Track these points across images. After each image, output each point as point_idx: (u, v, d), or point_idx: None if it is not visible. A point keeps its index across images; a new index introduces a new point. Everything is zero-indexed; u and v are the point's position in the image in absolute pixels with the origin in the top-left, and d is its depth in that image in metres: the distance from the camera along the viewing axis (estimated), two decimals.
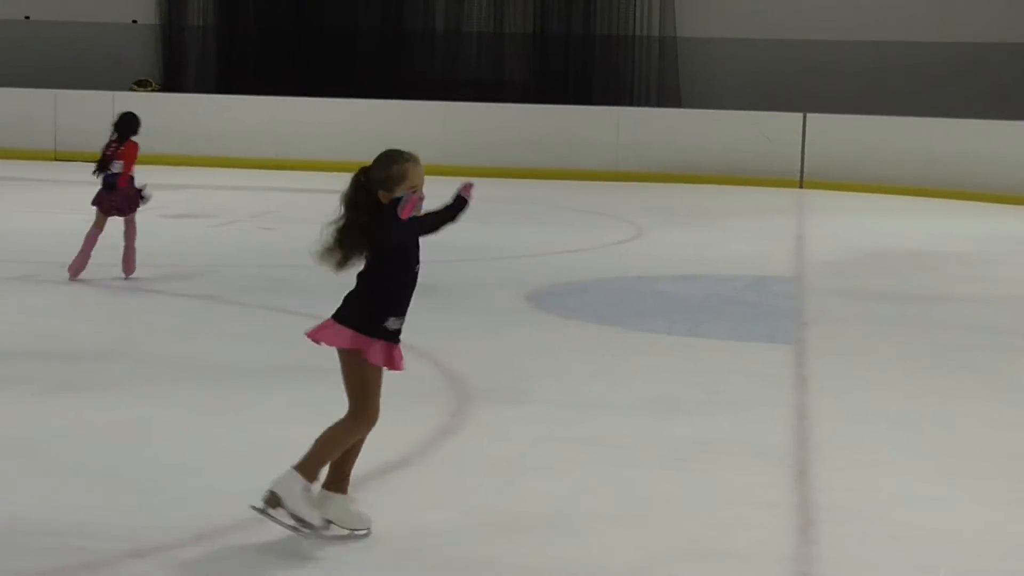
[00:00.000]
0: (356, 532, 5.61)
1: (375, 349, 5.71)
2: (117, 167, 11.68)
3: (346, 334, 5.75)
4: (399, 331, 5.82)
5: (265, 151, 23.86)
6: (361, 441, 5.78)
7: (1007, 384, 8.83)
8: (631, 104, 26.13)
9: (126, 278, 11.76)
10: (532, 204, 19.55)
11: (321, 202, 18.06)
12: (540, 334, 10.14)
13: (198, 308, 10.89)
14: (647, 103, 26.55)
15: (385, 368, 5.74)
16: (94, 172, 11.71)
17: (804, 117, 23.04)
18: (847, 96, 24.98)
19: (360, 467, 6.56)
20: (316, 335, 5.83)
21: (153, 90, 25.71)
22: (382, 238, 5.81)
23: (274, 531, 5.69)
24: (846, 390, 8.40)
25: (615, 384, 8.49)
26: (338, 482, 5.73)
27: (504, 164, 23.38)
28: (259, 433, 7.23)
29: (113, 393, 8.03)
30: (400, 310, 5.85)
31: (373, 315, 5.78)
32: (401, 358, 5.80)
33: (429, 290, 11.75)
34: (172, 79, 26.67)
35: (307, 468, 5.61)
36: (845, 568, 5.44)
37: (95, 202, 11.80)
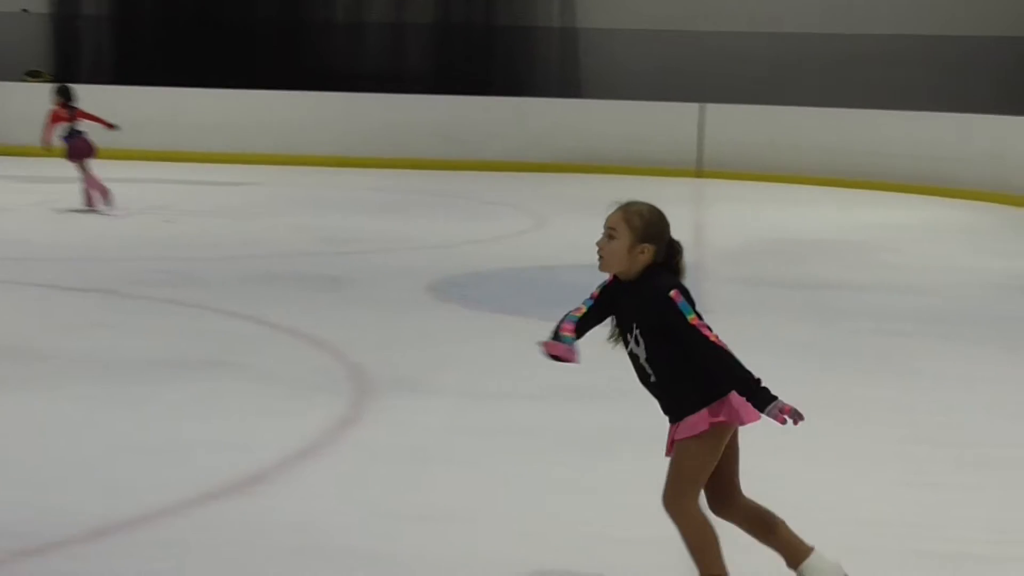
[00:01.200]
0: None
1: None
2: (82, 126, 15.96)
3: None
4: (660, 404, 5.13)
5: (164, 143, 23.62)
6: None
7: (899, 369, 8.95)
8: (533, 95, 26.17)
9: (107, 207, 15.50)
10: (434, 195, 19.54)
11: (220, 194, 17.89)
12: (442, 324, 10.14)
13: (95, 302, 10.78)
14: (549, 93, 26.60)
15: None
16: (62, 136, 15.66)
17: (702, 107, 23.21)
18: (744, 87, 25.20)
19: (261, 459, 6.55)
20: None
21: (46, 80, 25.37)
22: None
23: (172, 526, 5.66)
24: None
25: (517, 373, 8.51)
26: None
27: (406, 155, 23.35)
28: (158, 428, 7.17)
29: (8, 388, 7.93)
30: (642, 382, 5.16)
31: None
32: (670, 432, 5.08)
33: (333, 281, 11.75)
34: (65, 69, 26.30)
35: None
36: (743, 549, 5.49)
37: (72, 156, 15.94)
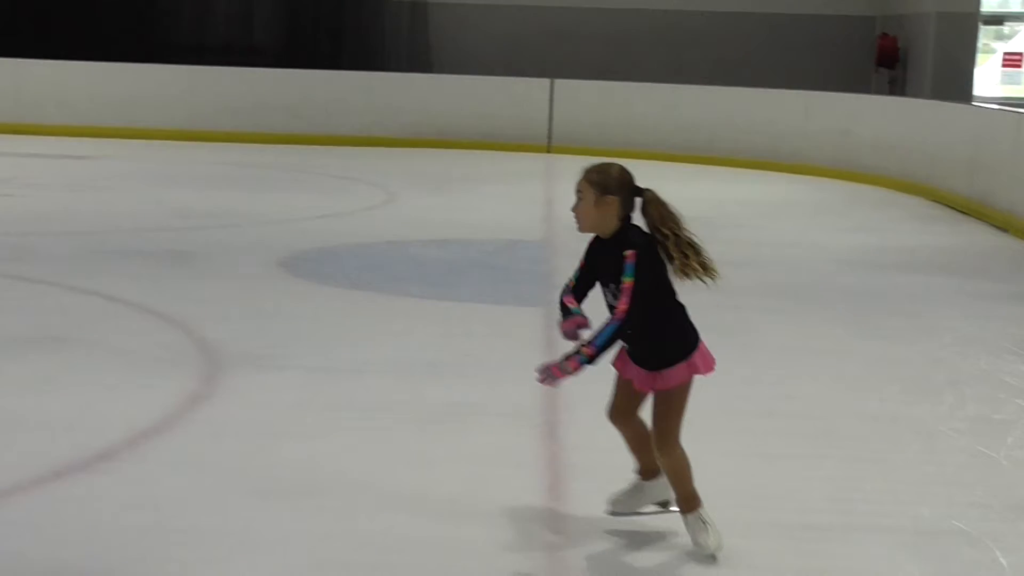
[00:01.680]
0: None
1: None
2: None
3: None
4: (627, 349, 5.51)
5: (5, 115, 23.15)
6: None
7: (739, 343, 9.10)
8: (383, 69, 26.11)
9: None
10: (284, 170, 19.41)
11: (65, 168, 17.61)
12: (293, 299, 10.10)
13: None
14: (398, 68, 26.57)
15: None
16: None
17: (552, 82, 23.33)
18: (593, 62, 25.40)
19: (108, 436, 6.49)
20: None
21: None
22: None
23: (16, 505, 5.59)
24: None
25: (369, 348, 8.52)
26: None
27: (255, 129, 23.15)
28: (1, 404, 7.06)
29: None
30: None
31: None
32: (630, 371, 5.49)
33: (181, 256, 11.64)
34: None
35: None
36: (592, 525, 5.58)
37: None
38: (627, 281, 5.11)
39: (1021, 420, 7.36)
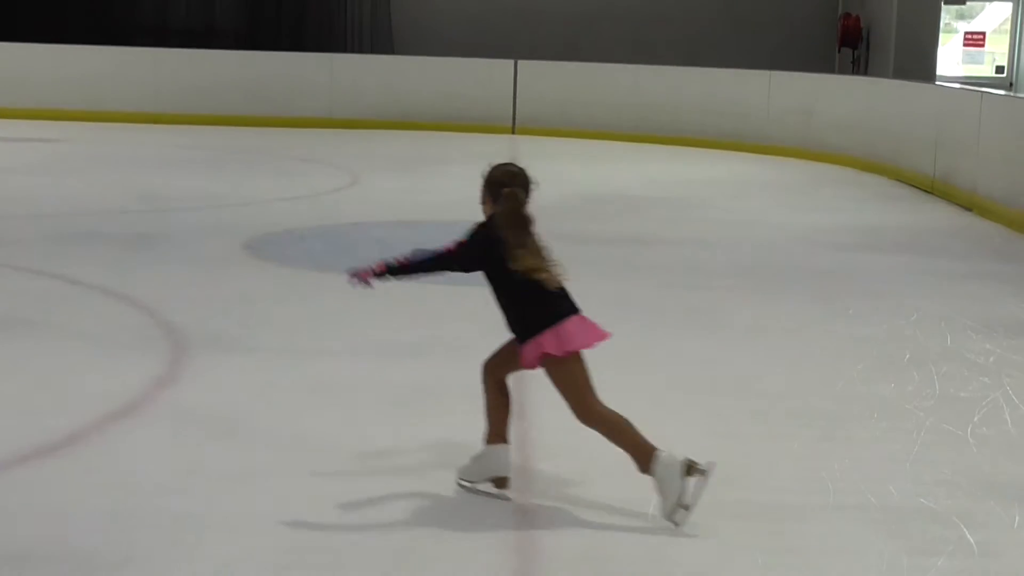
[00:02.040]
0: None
1: None
2: None
3: None
4: None
5: None
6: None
7: (706, 322, 9.13)
8: (345, 50, 26.02)
9: None
10: (246, 152, 19.34)
11: (26, 151, 17.52)
12: (258, 282, 10.07)
13: None
14: (361, 49, 26.47)
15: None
16: None
17: (516, 63, 23.30)
18: (557, 43, 25.37)
19: (76, 418, 6.45)
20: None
21: None
22: None
23: None
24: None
25: (334, 330, 8.50)
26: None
27: (216, 112, 23.06)
28: None
29: None
30: None
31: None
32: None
33: (144, 240, 11.58)
34: None
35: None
36: (558, 504, 5.58)
37: None
38: (463, 238, 5.65)
39: (986, 398, 7.39)
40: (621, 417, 5.53)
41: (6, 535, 5.08)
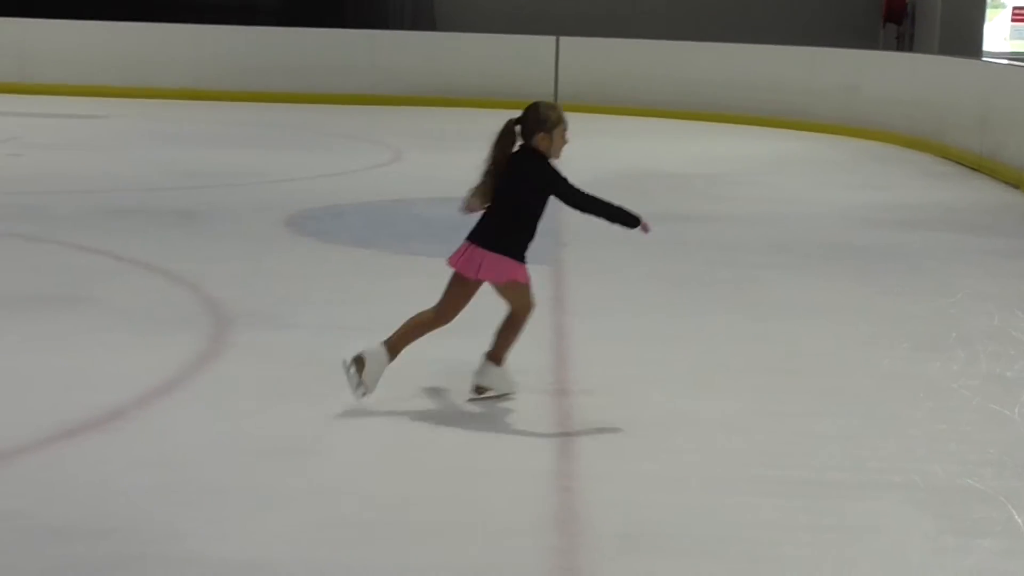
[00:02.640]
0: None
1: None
2: None
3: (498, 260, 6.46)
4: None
5: (9, 75, 23.10)
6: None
7: (751, 300, 9.08)
8: (387, 27, 26.00)
9: None
10: (289, 129, 19.36)
11: (70, 127, 17.59)
12: (299, 258, 10.08)
13: None
14: (402, 26, 26.46)
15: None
16: None
17: (557, 40, 23.22)
18: (598, 19, 25.28)
19: (120, 393, 6.47)
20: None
21: None
22: (548, 181, 6.52)
23: (27, 464, 5.58)
24: (603, 309, 8.56)
25: (374, 307, 8.49)
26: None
27: (257, 88, 23.10)
28: (11, 363, 7.05)
29: None
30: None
31: (523, 244, 6.50)
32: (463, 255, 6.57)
33: (188, 215, 11.61)
34: None
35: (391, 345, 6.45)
36: (603, 481, 5.56)
37: None
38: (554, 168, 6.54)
39: None
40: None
41: (51, 509, 5.10)
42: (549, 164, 6.48)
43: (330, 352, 7.37)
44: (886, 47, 24.91)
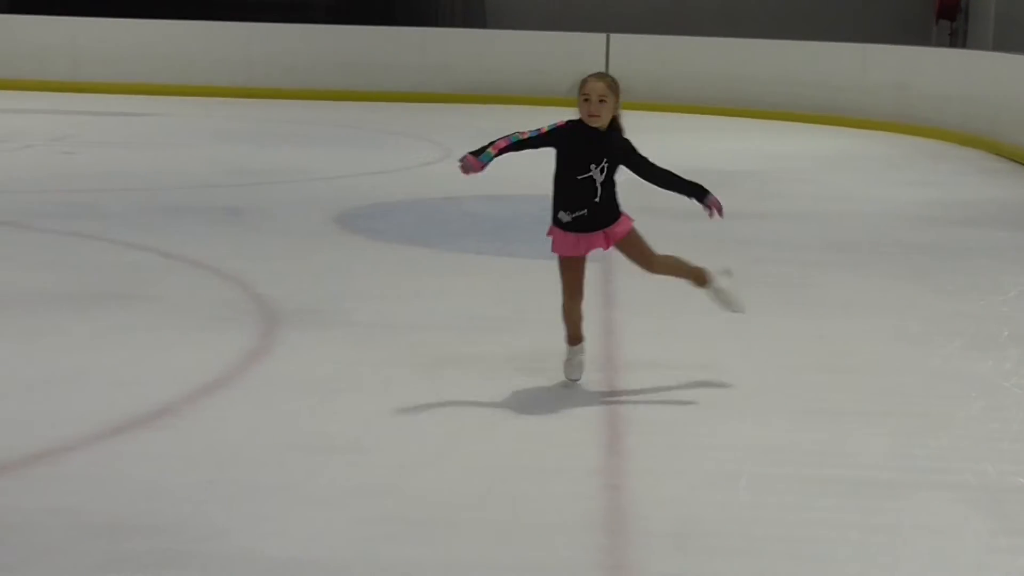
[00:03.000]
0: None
1: (554, 235, 6.77)
2: None
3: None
4: (572, 223, 6.67)
5: (62, 74, 23.27)
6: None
7: (799, 298, 9.04)
8: (437, 25, 26.03)
9: None
10: (339, 126, 19.40)
11: (121, 126, 17.68)
12: (349, 256, 10.09)
13: None
14: (452, 24, 26.48)
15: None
16: None
17: (608, 37, 23.18)
18: (648, 16, 25.22)
19: (169, 390, 6.50)
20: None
21: None
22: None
23: (76, 461, 5.60)
24: (651, 306, 8.52)
25: (424, 304, 8.50)
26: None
27: (309, 86, 23.18)
28: (61, 361, 7.08)
29: None
30: (568, 206, 6.68)
31: (552, 209, 6.75)
32: (581, 244, 6.70)
33: (237, 213, 11.64)
34: None
35: (569, 339, 6.81)
36: (652, 479, 5.54)
37: None
38: (642, 155, 6.79)
39: None
40: (670, 255, 6.87)
41: (101, 506, 5.12)
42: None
43: (379, 350, 7.40)
44: (939, 44, 24.74)
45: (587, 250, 6.68)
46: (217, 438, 5.92)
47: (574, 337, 6.77)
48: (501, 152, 6.89)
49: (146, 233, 10.51)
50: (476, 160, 6.78)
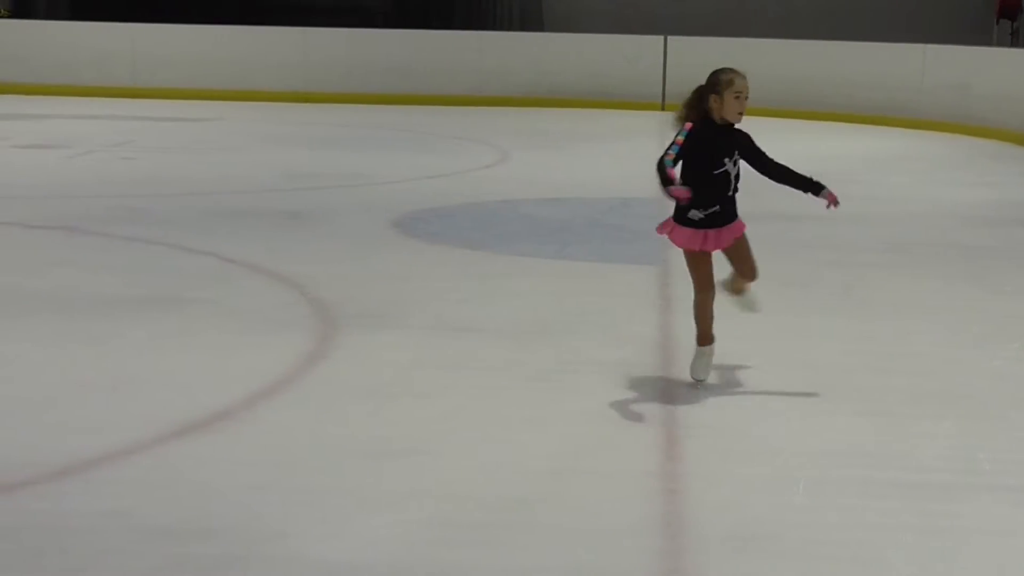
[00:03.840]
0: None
1: (676, 233, 6.76)
2: None
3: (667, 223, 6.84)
4: (704, 219, 6.71)
5: (122, 79, 23.45)
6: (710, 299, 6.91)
7: (859, 300, 9.00)
8: (494, 28, 26.07)
9: None
10: (396, 130, 19.46)
11: (180, 130, 17.83)
12: (407, 259, 10.12)
13: (57, 239, 10.72)
14: (510, 27, 26.52)
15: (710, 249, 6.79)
16: None
17: (665, 39, 23.14)
18: (706, 18, 25.17)
19: (226, 396, 6.54)
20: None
21: (4, 16, 25.13)
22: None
23: (135, 464, 5.65)
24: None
25: (482, 308, 8.52)
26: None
27: (366, 90, 23.25)
28: (120, 365, 7.14)
29: None
30: (702, 203, 6.67)
31: (677, 208, 6.74)
32: (711, 240, 6.75)
33: (295, 217, 11.71)
34: (23, 5, 26.04)
35: (702, 337, 6.87)
36: (708, 482, 5.53)
37: None
38: (761, 149, 6.92)
39: None
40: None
41: (160, 509, 5.16)
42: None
43: (438, 353, 7.42)
44: (1000, 43, 24.55)
45: (715, 246, 6.78)
46: (275, 442, 5.96)
47: (705, 336, 6.87)
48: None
49: (205, 237, 10.58)
50: (683, 189, 6.55)
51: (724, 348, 7.06)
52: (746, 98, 6.74)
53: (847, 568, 4.77)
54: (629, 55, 22.75)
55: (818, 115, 21.51)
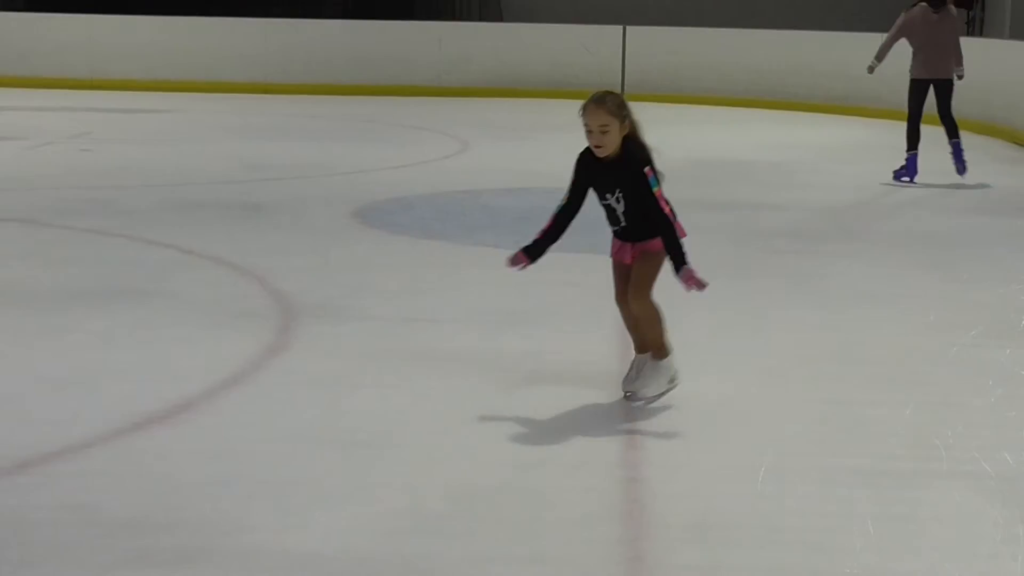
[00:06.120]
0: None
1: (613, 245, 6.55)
2: None
3: None
4: (618, 231, 6.47)
5: (79, 71, 23.33)
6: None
7: (816, 288, 9.03)
8: (453, 18, 26.04)
9: None
10: (357, 121, 19.43)
11: (139, 122, 17.76)
12: (368, 250, 10.11)
13: (15, 232, 10.66)
14: (469, 18, 26.48)
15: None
16: None
17: (624, 29, 23.16)
18: (666, 8, 25.20)
19: (185, 388, 6.52)
20: None
21: None
22: None
23: (94, 457, 5.63)
24: (667, 297, 8.52)
25: (444, 298, 8.52)
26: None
27: (326, 81, 23.20)
28: (79, 358, 7.11)
29: None
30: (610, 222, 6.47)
31: None
32: (625, 251, 6.47)
33: (255, 208, 11.67)
34: None
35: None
36: (670, 471, 5.55)
37: None
38: (656, 190, 6.26)
39: None
40: (657, 312, 6.43)
41: (120, 502, 5.15)
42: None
43: (400, 344, 7.41)
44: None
45: (620, 258, 6.49)
46: (236, 434, 5.95)
47: (635, 345, 6.60)
48: (548, 232, 6.56)
49: (164, 229, 10.54)
50: (524, 255, 6.48)
51: (684, 339, 7.08)
52: (601, 132, 6.16)
53: (808, 555, 4.79)
54: (588, 45, 22.77)
55: (777, 104, 21.58)
